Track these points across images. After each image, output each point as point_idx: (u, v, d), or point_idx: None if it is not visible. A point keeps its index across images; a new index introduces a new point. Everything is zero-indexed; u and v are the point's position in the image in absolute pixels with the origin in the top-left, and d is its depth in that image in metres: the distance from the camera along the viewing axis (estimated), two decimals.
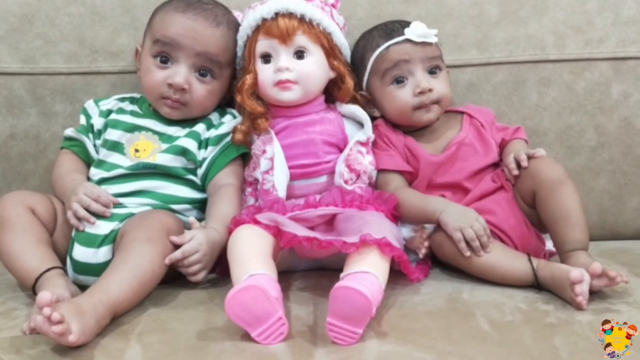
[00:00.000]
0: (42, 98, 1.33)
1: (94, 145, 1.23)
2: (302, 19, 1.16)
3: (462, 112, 1.27)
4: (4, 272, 1.10)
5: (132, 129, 1.20)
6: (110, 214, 1.10)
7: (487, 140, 1.23)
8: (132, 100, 1.27)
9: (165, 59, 1.17)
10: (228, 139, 1.20)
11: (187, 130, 1.20)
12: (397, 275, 1.06)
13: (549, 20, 1.34)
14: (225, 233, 1.07)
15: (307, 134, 1.18)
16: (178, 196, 1.17)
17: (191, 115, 1.21)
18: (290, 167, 1.16)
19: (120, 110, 1.24)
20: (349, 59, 1.24)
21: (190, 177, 1.18)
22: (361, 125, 1.21)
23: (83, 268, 1.09)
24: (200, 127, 1.20)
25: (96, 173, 1.18)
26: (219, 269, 1.13)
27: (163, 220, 1.06)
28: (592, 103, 1.34)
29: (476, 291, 1.05)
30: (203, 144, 1.20)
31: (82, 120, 1.25)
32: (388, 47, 1.20)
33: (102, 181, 1.16)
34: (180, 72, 1.16)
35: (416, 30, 1.19)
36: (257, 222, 1.04)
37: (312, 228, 1.09)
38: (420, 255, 1.14)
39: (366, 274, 0.93)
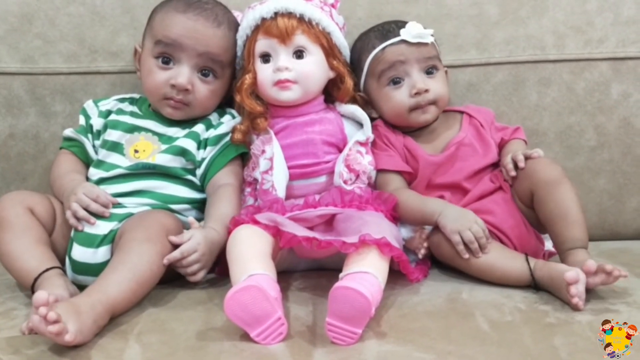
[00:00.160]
0: (42, 98, 1.33)
1: (93, 146, 1.23)
2: (301, 19, 1.15)
3: (461, 112, 1.27)
4: (3, 272, 1.09)
5: (132, 129, 1.20)
6: (110, 214, 1.10)
7: (487, 140, 1.22)
8: (132, 101, 1.27)
9: (167, 60, 1.17)
10: (227, 139, 1.20)
11: (186, 130, 1.20)
12: (396, 275, 1.06)
13: (548, 21, 1.34)
14: (224, 233, 1.07)
15: (307, 134, 1.18)
16: (177, 196, 1.16)
17: (193, 115, 1.21)
18: (289, 167, 1.16)
19: (120, 111, 1.24)
20: (348, 59, 1.24)
21: (190, 177, 1.18)
22: (360, 125, 1.21)
23: (82, 268, 1.08)
24: (199, 128, 1.20)
25: (95, 173, 1.18)
26: (218, 269, 1.13)
27: (162, 220, 1.06)
28: (592, 103, 1.34)
29: (475, 291, 1.05)
30: (202, 144, 1.20)
31: (82, 120, 1.25)
32: (384, 48, 1.20)
33: (101, 181, 1.16)
34: (183, 73, 1.16)
35: (411, 31, 1.18)
36: (256, 222, 1.04)
37: (311, 228, 1.09)
38: (420, 256, 1.14)
39: (365, 274, 0.93)
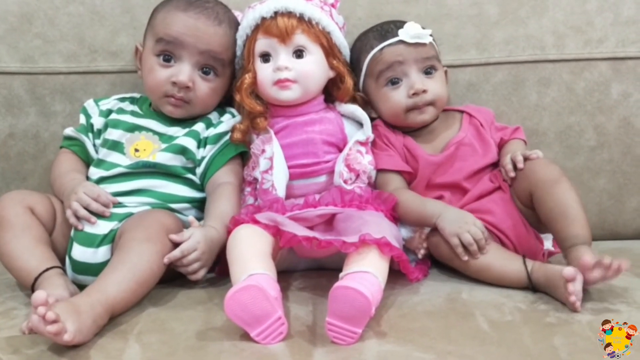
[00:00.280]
0: (42, 97, 1.32)
1: (94, 145, 1.23)
2: (301, 18, 1.15)
3: (461, 112, 1.27)
4: (3, 271, 1.09)
5: (133, 128, 1.20)
6: (110, 213, 1.10)
7: (487, 140, 1.22)
8: (132, 100, 1.27)
9: (168, 58, 1.17)
10: (227, 137, 1.20)
11: (186, 129, 1.20)
12: (396, 275, 1.06)
13: (548, 20, 1.34)
14: (224, 231, 1.07)
15: (307, 134, 1.18)
16: (177, 195, 1.16)
17: (194, 113, 1.21)
18: (289, 167, 1.16)
19: (121, 110, 1.24)
20: (348, 58, 1.24)
21: (190, 176, 1.18)
22: (360, 125, 1.21)
23: (82, 268, 1.08)
24: (199, 126, 1.20)
25: (95, 172, 1.18)
26: (218, 269, 1.13)
27: (162, 220, 1.06)
28: (592, 103, 1.34)
29: (475, 291, 1.05)
30: (202, 142, 1.20)
31: (82, 119, 1.25)
32: (382, 48, 1.20)
33: (101, 180, 1.16)
34: (184, 71, 1.16)
35: (409, 31, 1.18)
36: (256, 222, 1.04)
37: (311, 228, 1.09)
38: (419, 256, 1.14)
39: (365, 273, 0.93)
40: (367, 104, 1.24)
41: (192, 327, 0.94)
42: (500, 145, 1.24)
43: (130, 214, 1.10)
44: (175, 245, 1.04)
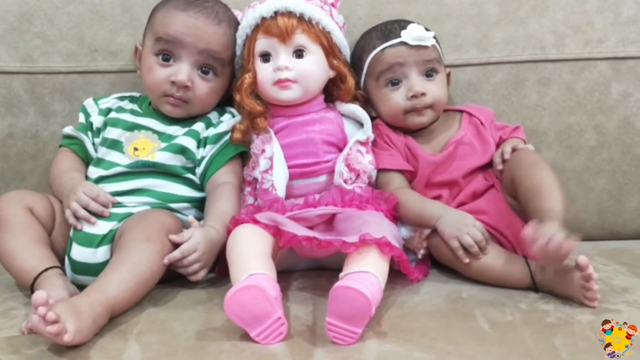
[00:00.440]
0: (41, 97, 1.32)
1: (93, 144, 1.22)
2: (301, 18, 1.15)
3: (461, 111, 1.27)
4: (2, 271, 1.09)
5: (132, 127, 1.20)
6: (109, 213, 1.10)
7: (486, 138, 1.22)
8: (132, 99, 1.27)
9: (167, 57, 1.17)
10: (226, 137, 1.20)
11: (186, 129, 1.20)
12: (396, 275, 1.06)
13: (548, 20, 1.34)
14: (224, 231, 1.07)
15: (307, 134, 1.18)
16: (177, 195, 1.16)
17: (193, 113, 1.21)
18: (289, 167, 1.16)
19: (120, 109, 1.24)
20: (348, 58, 1.24)
21: (189, 175, 1.18)
22: (361, 124, 1.20)
23: (81, 268, 1.08)
24: (199, 126, 1.20)
25: (95, 171, 1.18)
26: (218, 269, 1.13)
27: (162, 220, 1.06)
28: (592, 103, 1.34)
29: (476, 291, 1.05)
30: (202, 142, 1.19)
31: (81, 118, 1.25)
32: (383, 49, 1.20)
33: (100, 179, 1.16)
34: (183, 70, 1.16)
35: (412, 33, 1.18)
36: (256, 222, 1.04)
37: (311, 227, 1.09)
38: (419, 256, 1.13)
39: (366, 273, 0.93)
40: (367, 102, 1.24)
41: (192, 327, 0.94)
42: (499, 144, 1.24)
43: (129, 214, 1.10)
44: (176, 245, 1.04)
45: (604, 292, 1.01)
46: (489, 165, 1.21)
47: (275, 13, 1.15)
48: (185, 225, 1.11)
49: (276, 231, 1.03)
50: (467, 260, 1.07)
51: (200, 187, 1.19)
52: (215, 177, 1.17)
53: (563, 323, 0.93)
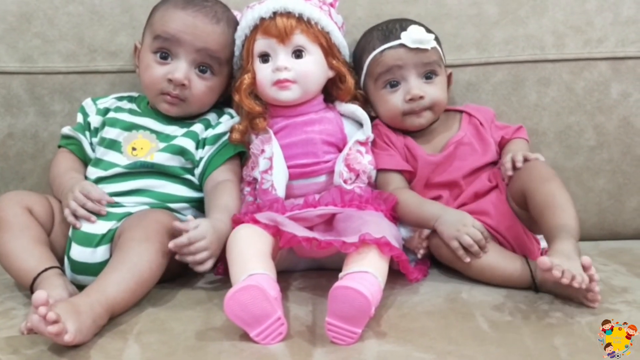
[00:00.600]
0: (41, 97, 1.32)
1: (91, 144, 1.22)
2: (300, 18, 1.15)
3: (461, 112, 1.27)
4: (2, 272, 1.09)
5: (130, 127, 1.20)
6: (106, 211, 1.10)
7: (486, 138, 1.22)
8: (131, 99, 1.27)
9: (165, 55, 1.17)
10: (225, 138, 1.20)
11: (185, 130, 1.20)
12: (396, 275, 1.06)
13: (548, 20, 1.34)
14: (230, 223, 1.06)
15: (306, 134, 1.18)
16: (175, 195, 1.16)
17: (189, 112, 1.21)
18: (289, 167, 1.16)
19: (118, 109, 1.24)
20: (347, 58, 1.24)
21: (188, 176, 1.18)
22: (360, 124, 1.20)
23: (81, 268, 1.08)
24: (198, 127, 1.20)
25: (93, 172, 1.18)
26: (218, 269, 1.12)
27: (161, 220, 1.06)
28: (592, 103, 1.34)
29: (475, 291, 1.05)
30: (201, 143, 1.19)
31: (79, 118, 1.25)
32: (382, 51, 1.19)
33: (99, 180, 1.16)
34: (180, 68, 1.16)
35: (412, 36, 1.18)
36: (256, 222, 1.04)
37: (311, 228, 1.09)
38: (419, 256, 1.13)
39: (365, 273, 0.93)
40: (367, 102, 1.24)
41: (192, 327, 0.94)
42: (502, 144, 1.23)
43: (128, 214, 1.10)
44: None
45: (604, 292, 1.01)
46: (492, 164, 1.21)
47: (274, 13, 1.15)
48: None
49: (276, 231, 1.03)
50: (467, 260, 1.07)
51: (199, 188, 1.19)
52: (213, 175, 1.17)
53: (563, 323, 0.93)
